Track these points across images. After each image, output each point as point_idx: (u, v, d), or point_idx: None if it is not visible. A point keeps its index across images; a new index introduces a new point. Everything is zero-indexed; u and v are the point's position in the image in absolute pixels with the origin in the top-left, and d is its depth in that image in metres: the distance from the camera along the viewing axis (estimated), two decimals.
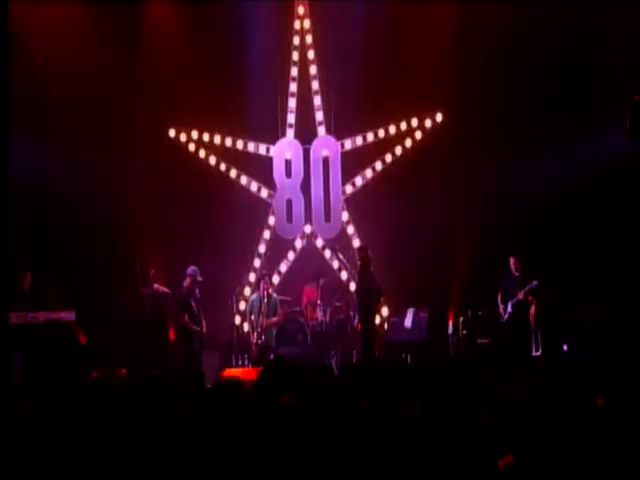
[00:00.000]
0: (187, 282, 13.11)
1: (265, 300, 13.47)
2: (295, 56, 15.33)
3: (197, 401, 5.93)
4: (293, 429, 4.89)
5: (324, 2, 15.39)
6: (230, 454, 4.81)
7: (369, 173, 15.29)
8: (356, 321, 13.27)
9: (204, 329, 13.15)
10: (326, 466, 4.65)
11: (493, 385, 6.85)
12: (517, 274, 13.56)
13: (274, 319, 13.56)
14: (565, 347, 12.90)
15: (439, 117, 15.16)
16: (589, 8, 14.56)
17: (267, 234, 15.22)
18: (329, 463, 4.65)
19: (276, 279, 14.95)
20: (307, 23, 15.33)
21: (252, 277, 14.83)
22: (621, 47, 14.76)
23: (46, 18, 14.66)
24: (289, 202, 15.22)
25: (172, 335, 14.03)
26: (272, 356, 10.23)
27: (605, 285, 13.35)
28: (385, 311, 14.68)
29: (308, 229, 15.18)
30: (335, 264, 15.02)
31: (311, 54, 15.33)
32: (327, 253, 15.05)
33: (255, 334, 13.34)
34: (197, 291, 13.28)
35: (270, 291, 13.65)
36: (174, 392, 6.57)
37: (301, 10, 15.34)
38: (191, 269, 13.15)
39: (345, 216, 15.26)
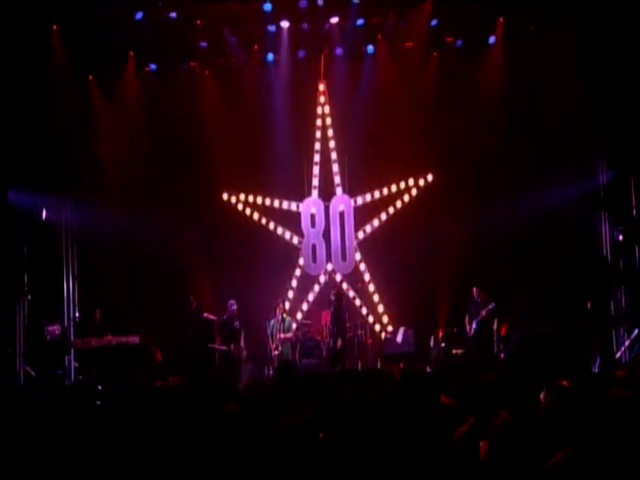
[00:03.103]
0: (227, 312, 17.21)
1: (280, 321, 17.05)
2: (318, 134, 19.19)
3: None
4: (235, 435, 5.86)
5: (338, 92, 19.09)
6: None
7: (376, 222, 19.05)
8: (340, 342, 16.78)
9: (239, 349, 16.84)
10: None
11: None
12: (479, 300, 17.11)
13: (289, 335, 17.10)
14: (502, 355, 16.55)
15: (430, 177, 18.81)
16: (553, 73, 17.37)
17: (297, 271, 19.06)
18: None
19: (305, 306, 18.89)
20: (327, 109, 19.26)
21: (286, 305, 18.13)
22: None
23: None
24: (314, 246, 18.93)
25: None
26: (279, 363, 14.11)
27: (540, 307, 16.90)
28: (390, 328, 18.63)
29: (329, 267, 18.98)
30: (351, 294, 18.92)
31: (330, 132, 19.23)
32: (345, 286, 18.89)
33: (274, 347, 16.99)
34: (235, 320, 16.98)
35: (284, 315, 17.17)
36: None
37: (322, 99, 19.24)
38: (229, 302, 17.14)
39: (358, 256, 19.03)
